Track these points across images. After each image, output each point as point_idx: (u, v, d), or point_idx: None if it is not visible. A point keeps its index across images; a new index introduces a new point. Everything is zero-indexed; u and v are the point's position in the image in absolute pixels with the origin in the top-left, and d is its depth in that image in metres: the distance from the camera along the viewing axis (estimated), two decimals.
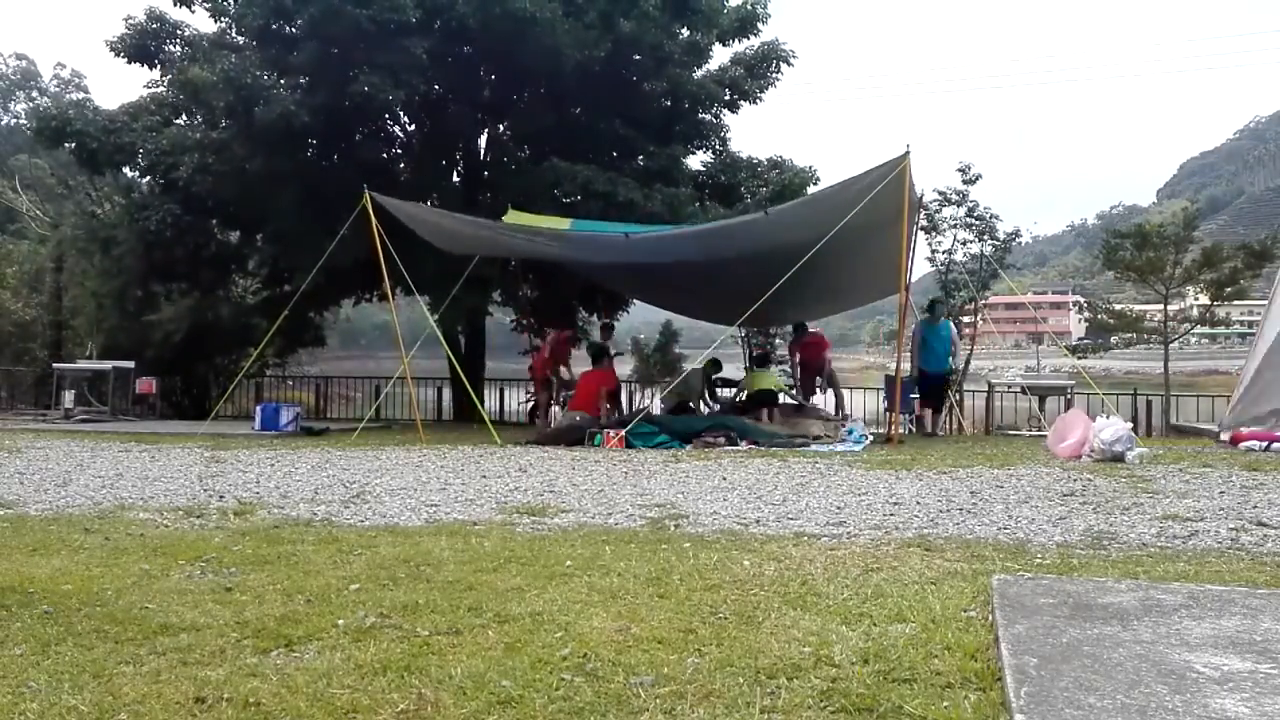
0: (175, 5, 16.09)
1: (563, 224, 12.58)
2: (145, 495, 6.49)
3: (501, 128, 17.44)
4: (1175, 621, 2.81)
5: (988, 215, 18.75)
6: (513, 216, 12.76)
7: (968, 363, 19.64)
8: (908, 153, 9.97)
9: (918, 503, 5.91)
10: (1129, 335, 21.75)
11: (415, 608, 3.38)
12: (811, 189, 16.65)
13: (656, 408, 13.66)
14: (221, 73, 14.43)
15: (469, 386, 14.23)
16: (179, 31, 16.77)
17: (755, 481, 6.98)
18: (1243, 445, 9.27)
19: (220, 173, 14.92)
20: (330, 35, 14.26)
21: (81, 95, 43.01)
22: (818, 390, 14.73)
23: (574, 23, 14.27)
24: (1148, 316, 21.71)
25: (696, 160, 18.10)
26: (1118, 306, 24.22)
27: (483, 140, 17.61)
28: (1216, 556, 4.30)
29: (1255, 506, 5.65)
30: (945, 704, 2.39)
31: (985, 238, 18.73)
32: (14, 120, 51.39)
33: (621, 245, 11.57)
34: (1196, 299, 22.86)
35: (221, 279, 17.86)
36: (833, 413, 13.68)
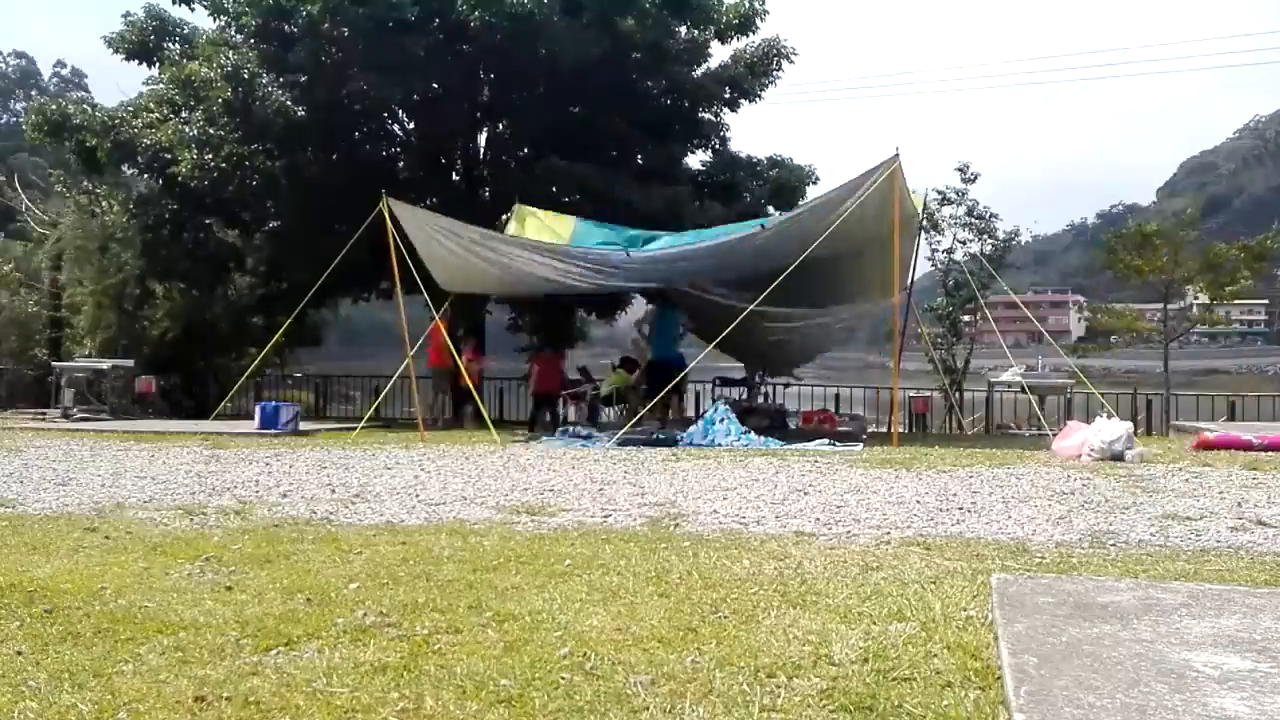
0: (174, 3, 16.09)
1: (565, 227, 12.54)
2: (145, 494, 6.48)
3: (501, 127, 17.43)
4: (1175, 620, 2.81)
5: (987, 214, 18.77)
6: (520, 212, 12.78)
7: (967, 362, 19.63)
8: (897, 155, 9.89)
9: (918, 502, 5.90)
10: (1129, 334, 21.80)
11: (415, 607, 3.38)
12: (811, 188, 16.61)
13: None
14: (220, 69, 14.42)
15: (468, 385, 14.21)
16: (178, 30, 16.77)
17: (755, 481, 6.97)
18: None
19: (219, 170, 14.93)
20: (329, 34, 14.25)
21: (81, 94, 43.05)
22: None
23: (572, 21, 14.25)
24: (1147, 316, 21.72)
25: (696, 159, 18.10)
26: (1117, 306, 24.24)
27: (482, 139, 17.60)
28: (1216, 556, 4.31)
29: (1255, 506, 5.65)
30: (945, 702, 2.39)
31: (984, 237, 18.73)
32: (13, 119, 51.37)
33: (623, 265, 11.57)
34: (1196, 299, 22.87)
35: (219, 277, 17.84)
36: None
